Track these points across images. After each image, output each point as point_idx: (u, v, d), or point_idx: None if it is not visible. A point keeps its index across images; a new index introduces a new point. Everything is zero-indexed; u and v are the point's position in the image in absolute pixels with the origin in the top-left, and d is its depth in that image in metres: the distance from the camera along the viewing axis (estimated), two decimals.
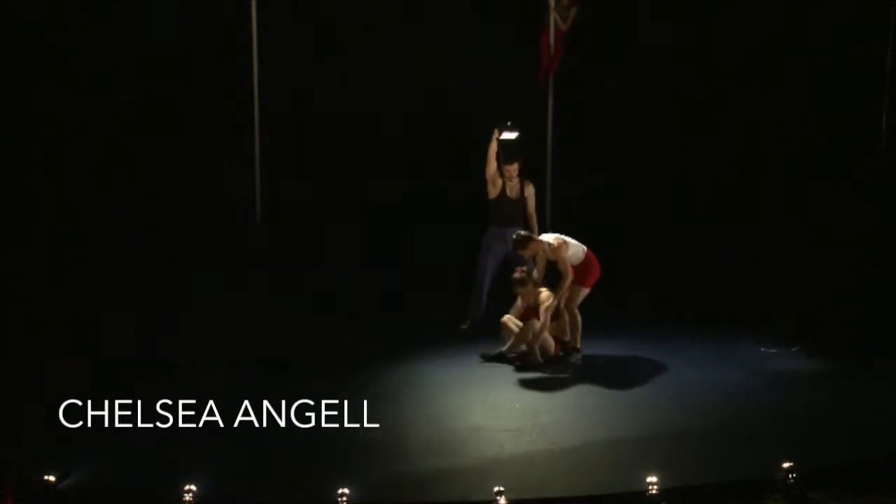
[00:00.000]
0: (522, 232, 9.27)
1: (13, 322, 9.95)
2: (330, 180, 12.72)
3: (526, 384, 8.71)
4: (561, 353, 9.19)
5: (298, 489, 6.86)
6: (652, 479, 6.74)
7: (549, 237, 9.19)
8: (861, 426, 7.78)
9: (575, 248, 9.10)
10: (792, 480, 6.84)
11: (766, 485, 6.89)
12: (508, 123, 9.63)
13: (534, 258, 9.31)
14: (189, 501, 6.59)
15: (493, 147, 9.69)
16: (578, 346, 9.15)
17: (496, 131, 9.65)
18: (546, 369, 9.00)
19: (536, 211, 10.07)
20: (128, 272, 11.38)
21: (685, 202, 12.77)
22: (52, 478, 6.77)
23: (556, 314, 9.14)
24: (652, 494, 6.70)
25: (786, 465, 6.90)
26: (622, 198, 12.56)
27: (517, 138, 9.68)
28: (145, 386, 8.41)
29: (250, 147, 12.30)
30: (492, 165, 9.74)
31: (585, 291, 9.13)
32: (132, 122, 12.50)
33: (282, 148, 12.54)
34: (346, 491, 6.62)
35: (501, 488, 6.63)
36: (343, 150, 12.94)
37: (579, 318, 9.12)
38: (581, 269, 9.09)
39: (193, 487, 6.63)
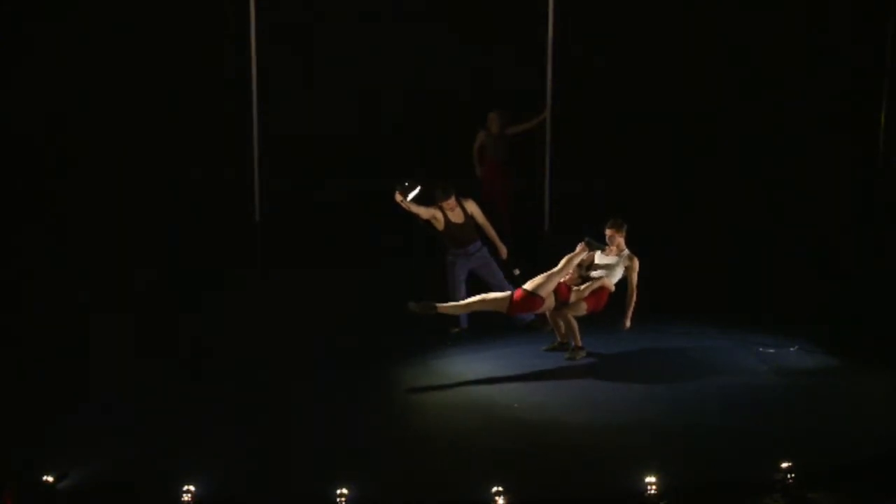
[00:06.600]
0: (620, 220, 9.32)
1: (13, 321, 9.93)
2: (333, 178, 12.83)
3: (525, 383, 8.70)
4: (566, 356, 9.23)
5: (298, 489, 6.86)
6: (651, 479, 6.75)
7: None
8: (861, 426, 7.78)
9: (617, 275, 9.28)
10: (792, 480, 6.85)
11: (766, 485, 6.89)
12: (406, 184, 9.53)
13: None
14: (189, 501, 6.59)
15: (409, 207, 9.58)
16: (580, 344, 9.18)
17: (398, 195, 9.52)
18: (546, 368, 9.01)
19: (509, 211, 10.21)
20: (126, 271, 11.38)
21: (684, 201, 12.78)
22: (51, 478, 6.77)
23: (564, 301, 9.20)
24: (651, 494, 6.71)
25: (785, 465, 6.91)
26: (621, 197, 12.55)
27: (421, 189, 9.53)
28: (145, 385, 8.42)
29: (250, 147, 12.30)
30: (420, 212, 9.68)
31: (584, 310, 9.18)
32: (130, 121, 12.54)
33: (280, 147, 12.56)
34: (346, 491, 6.62)
35: (501, 488, 6.64)
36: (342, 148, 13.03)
37: (574, 322, 9.15)
38: (598, 293, 9.20)
39: (193, 487, 6.63)
